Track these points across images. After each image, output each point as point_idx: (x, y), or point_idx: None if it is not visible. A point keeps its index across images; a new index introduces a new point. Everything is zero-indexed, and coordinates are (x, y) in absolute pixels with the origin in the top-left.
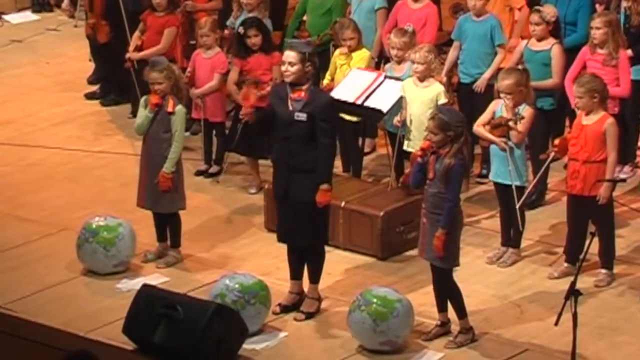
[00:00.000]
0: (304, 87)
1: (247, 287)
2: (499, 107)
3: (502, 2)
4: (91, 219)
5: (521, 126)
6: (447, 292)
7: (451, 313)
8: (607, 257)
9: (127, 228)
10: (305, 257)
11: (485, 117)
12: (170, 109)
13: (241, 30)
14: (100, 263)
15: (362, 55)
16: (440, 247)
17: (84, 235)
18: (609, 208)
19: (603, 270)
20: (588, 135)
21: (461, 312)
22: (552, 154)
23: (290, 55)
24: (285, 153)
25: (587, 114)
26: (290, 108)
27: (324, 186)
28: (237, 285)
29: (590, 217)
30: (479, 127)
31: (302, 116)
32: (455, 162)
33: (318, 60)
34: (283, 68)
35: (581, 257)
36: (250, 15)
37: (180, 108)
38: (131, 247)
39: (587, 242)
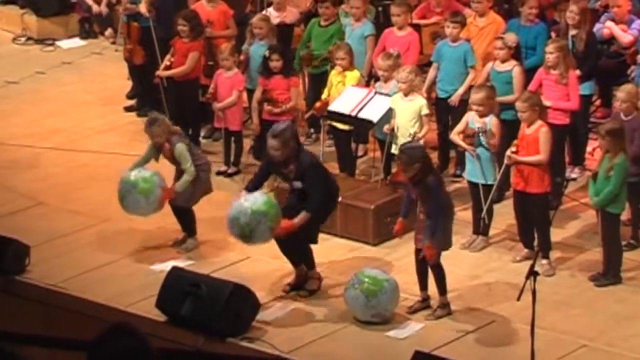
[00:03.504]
0: (291, 163)
1: (256, 210)
2: (471, 118)
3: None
4: (127, 173)
5: (494, 137)
6: (435, 272)
7: (432, 291)
8: (544, 248)
9: (159, 177)
10: (296, 255)
11: (460, 126)
12: (169, 155)
13: (267, 53)
14: (142, 210)
15: (355, 75)
16: (433, 256)
17: (124, 187)
18: (545, 204)
19: (544, 261)
20: (529, 142)
21: (443, 290)
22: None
23: (273, 143)
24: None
25: (529, 125)
26: (288, 177)
27: (303, 214)
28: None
29: (530, 211)
30: (455, 135)
31: (298, 184)
32: (430, 180)
33: (318, 79)
34: (271, 153)
35: (535, 244)
36: (273, 44)
37: (178, 146)
38: (162, 185)
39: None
